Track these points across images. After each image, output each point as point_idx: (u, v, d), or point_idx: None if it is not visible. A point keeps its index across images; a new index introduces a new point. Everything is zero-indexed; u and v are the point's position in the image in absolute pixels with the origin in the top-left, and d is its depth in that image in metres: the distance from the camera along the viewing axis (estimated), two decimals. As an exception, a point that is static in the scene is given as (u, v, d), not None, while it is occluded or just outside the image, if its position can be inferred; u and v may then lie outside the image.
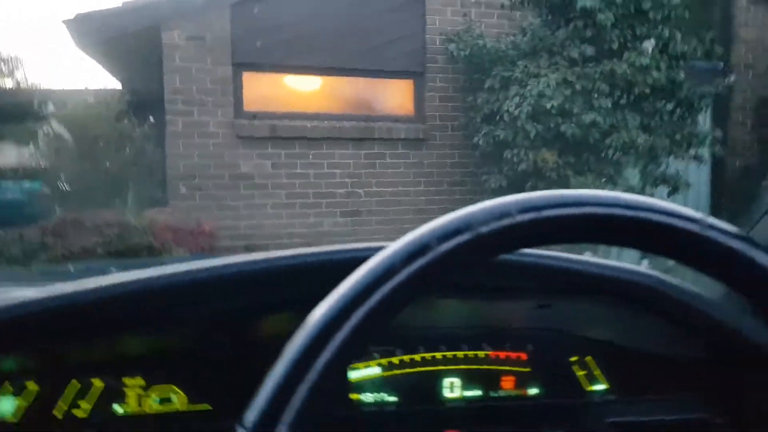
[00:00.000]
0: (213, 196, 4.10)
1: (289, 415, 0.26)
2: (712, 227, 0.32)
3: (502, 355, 0.73)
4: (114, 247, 3.53)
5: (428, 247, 0.30)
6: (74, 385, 0.60)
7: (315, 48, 4.21)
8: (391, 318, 0.30)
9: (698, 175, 4.80)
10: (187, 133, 4.07)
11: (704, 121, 4.64)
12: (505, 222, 0.31)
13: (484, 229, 0.31)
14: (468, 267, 0.32)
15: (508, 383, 0.73)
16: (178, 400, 0.63)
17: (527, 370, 0.73)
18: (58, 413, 0.59)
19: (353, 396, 0.67)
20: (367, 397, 0.68)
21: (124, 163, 4.53)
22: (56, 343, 0.57)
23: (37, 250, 3.60)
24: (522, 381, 0.73)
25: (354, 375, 0.68)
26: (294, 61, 4.25)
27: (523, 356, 0.73)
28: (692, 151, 4.03)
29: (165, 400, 0.63)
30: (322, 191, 4.29)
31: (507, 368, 0.73)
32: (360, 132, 4.33)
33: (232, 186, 4.15)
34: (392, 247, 0.30)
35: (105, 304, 0.52)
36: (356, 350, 0.29)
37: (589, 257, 0.60)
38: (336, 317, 0.28)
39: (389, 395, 0.68)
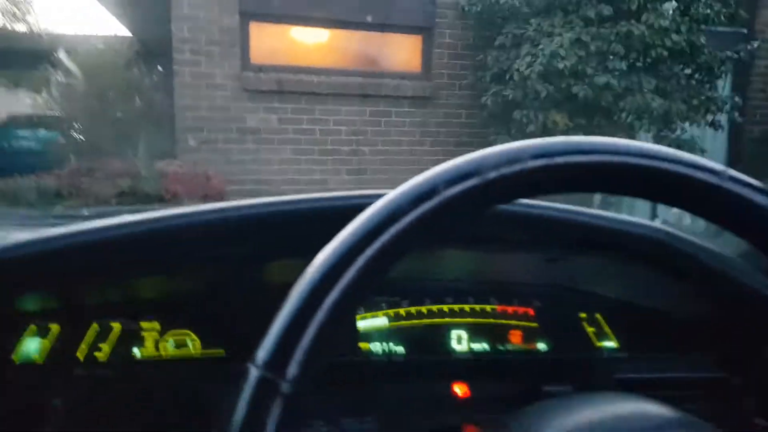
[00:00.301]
0: (220, 150, 4.12)
1: (299, 353, 0.27)
2: (732, 179, 0.31)
3: (510, 309, 0.72)
4: (126, 197, 3.60)
5: (435, 190, 0.29)
6: (94, 327, 0.62)
7: (323, 0, 4.11)
8: (397, 261, 0.29)
9: (714, 142, 4.67)
10: (195, 84, 4.05)
11: (723, 87, 4.47)
12: (516, 167, 0.30)
13: (493, 174, 0.29)
14: (476, 213, 0.31)
15: (515, 337, 0.72)
16: (193, 345, 0.64)
17: (535, 325, 0.73)
18: (80, 355, 0.61)
19: (362, 345, 0.68)
20: (376, 346, 0.68)
21: (134, 112, 4.55)
22: (75, 283, 0.59)
23: (53, 196, 3.69)
24: (530, 336, 0.72)
25: (362, 325, 0.68)
26: (301, 12, 4.16)
27: (531, 311, 0.73)
28: (709, 117, 3.91)
29: (180, 345, 0.64)
30: (328, 148, 4.28)
31: (514, 323, 0.72)
32: (366, 88, 4.27)
33: (239, 140, 4.16)
34: (398, 190, 0.30)
35: (122, 242, 0.53)
36: (363, 292, 0.29)
37: (598, 211, 0.58)
38: (342, 259, 0.28)
39: (397, 345, 0.69)
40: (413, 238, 0.29)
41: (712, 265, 0.56)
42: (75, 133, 4.88)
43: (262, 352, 0.27)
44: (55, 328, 0.61)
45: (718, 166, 0.31)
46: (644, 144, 0.32)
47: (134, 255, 0.55)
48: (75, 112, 4.82)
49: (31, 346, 0.60)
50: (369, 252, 0.28)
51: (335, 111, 4.27)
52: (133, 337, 0.63)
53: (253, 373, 0.27)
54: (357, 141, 4.31)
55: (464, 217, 0.30)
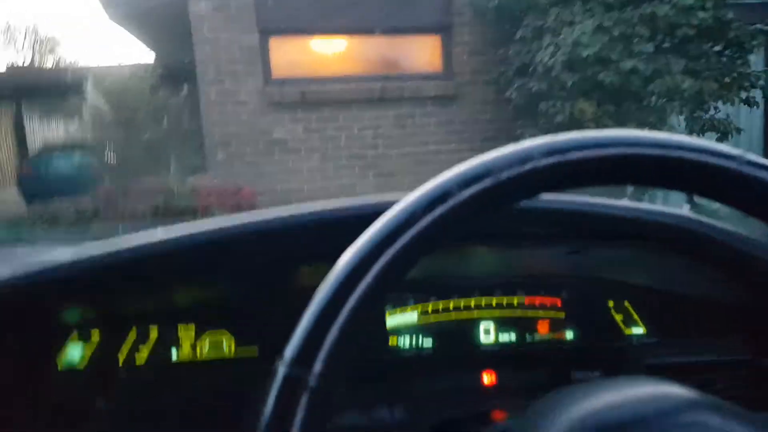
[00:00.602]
0: (250, 163, 4.19)
1: (324, 350, 0.28)
2: (750, 163, 0.31)
3: (537, 300, 0.73)
4: (161, 212, 3.70)
5: (449, 193, 0.30)
6: (133, 332, 0.65)
7: (338, 9, 4.14)
8: (414, 262, 0.30)
9: (750, 120, 4.53)
10: (220, 101, 4.13)
11: (756, 62, 4.32)
12: (528, 166, 0.30)
13: (506, 175, 0.30)
14: (491, 213, 0.31)
15: (543, 328, 0.73)
16: (227, 345, 0.67)
17: (562, 315, 0.73)
18: (119, 360, 0.64)
19: (391, 342, 0.69)
20: (405, 341, 0.70)
21: (162, 133, 4.67)
22: (116, 294, 0.62)
23: (90, 217, 3.82)
24: (557, 326, 0.73)
25: (391, 322, 0.70)
26: (318, 23, 4.20)
27: (558, 302, 0.73)
28: (743, 94, 3.79)
29: (215, 346, 0.67)
30: (355, 153, 4.31)
31: (542, 313, 0.73)
32: (389, 92, 4.28)
33: (267, 152, 4.22)
34: (414, 195, 0.31)
35: (157, 256, 0.56)
36: (383, 292, 0.30)
37: (623, 201, 0.58)
38: (362, 262, 0.29)
39: (425, 339, 0.70)
40: (429, 240, 0.30)
41: (740, 249, 0.55)
42: (108, 157, 5.03)
43: (290, 350, 0.28)
44: (95, 334, 0.64)
45: (735, 151, 0.31)
46: (657, 133, 0.31)
47: (170, 265, 0.57)
48: (106, 137, 4.97)
49: (74, 352, 0.63)
50: (387, 255, 0.29)
51: (359, 117, 4.30)
52: (170, 340, 0.66)
53: (281, 370, 0.28)
54: (383, 144, 4.33)
55: (479, 218, 0.31)
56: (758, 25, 3.75)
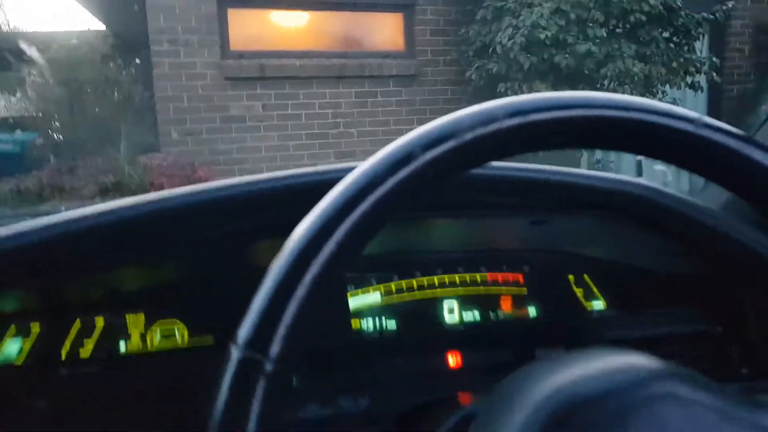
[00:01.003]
0: (205, 140, 4.07)
1: (281, 331, 0.26)
2: (707, 126, 0.31)
3: (500, 276, 0.73)
4: (110, 192, 3.56)
5: (412, 155, 0.29)
6: (78, 324, 0.60)
7: (300, -19, 4.06)
8: (378, 229, 0.29)
9: (695, 104, 4.75)
10: (174, 75, 3.98)
11: (701, 48, 4.53)
12: (492, 127, 0.29)
13: (470, 136, 0.29)
14: (455, 175, 0.30)
15: (506, 304, 0.72)
16: (180, 334, 0.63)
17: (524, 290, 0.73)
18: (62, 354, 0.59)
19: (354, 324, 0.68)
20: (368, 323, 0.68)
21: (113, 108, 4.46)
22: (55, 277, 0.55)
23: (35, 198, 3.63)
24: (520, 302, 0.73)
25: (354, 303, 0.68)
26: (280, -4, 4.11)
27: (520, 277, 0.73)
28: (689, 79, 3.97)
29: (167, 336, 0.63)
30: (315, 132, 4.26)
31: (505, 290, 0.73)
32: (350, 69, 4.24)
33: (224, 129, 4.11)
34: (375, 158, 0.29)
35: (99, 231, 0.50)
36: (344, 264, 0.28)
37: (582, 170, 0.58)
38: (321, 232, 0.27)
39: (389, 321, 0.68)
40: (392, 204, 0.29)
41: (697, 219, 0.56)
42: (54, 133, 4.78)
43: (243, 331, 0.26)
44: (35, 327, 0.59)
45: (693, 114, 0.31)
46: (618, 95, 0.32)
47: (113, 243, 0.52)
48: (52, 111, 4.71)
49: (11, 347, 0.58)
50: (348, 222, 0.28)
51: (320, 94, 4.25)
52: (118, 331, 0.62)
53: (234, 353, 0.26)
54: (344, 123, 4.30)
55: (443, 181, 0.30)
56: (703, 14, 3.92)
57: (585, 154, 3.90)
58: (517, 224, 0.69)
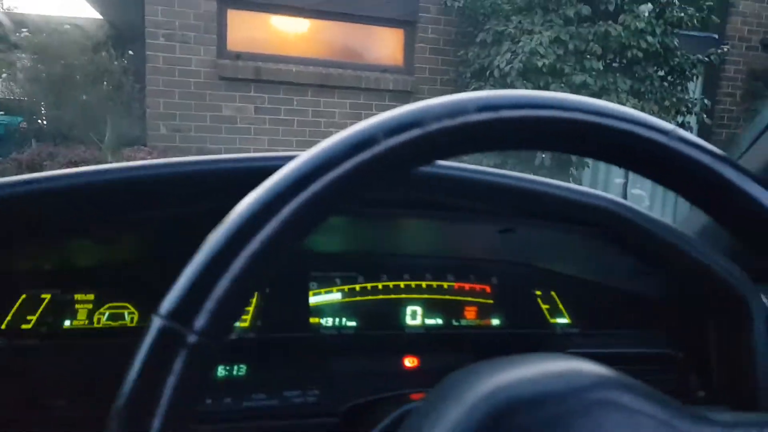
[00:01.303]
0: (193, 138, 4.01)
1: (209, 304, 0.24)
2: (681, 139, 0.30)
3: (467, 286, 0.72)
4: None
5: (374, 140, 0.27)
6: (23, 297, 0.59)
7: (304, -12, 4.05)
8: (329, 212, 0.27)
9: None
10: (168, 70, 3.93)
11: (694, 89, 4.60)
12: (459, 120, 0.28)
13: (435, 126, 0.28)
14: (416, 166, 0.29)
15: (470, 313, 0.72)
16: (129, 317, 0.61)
17: (491, 301, 0.73)
18: (2, 324, 0.58)
19: (313, 320, 0.67)
20: (327, 321, 0.67)
21: (101, 97, 4.38)
22: (3, 246, 0.53)
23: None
24: (485, 312, 0.73)
25: (314, 300, 0.67)
26: (282, 0, 4.08)
27: (488, 288, 0.73)
28: (680, 119, 4.02)
29: (116, 317, 0.61)
30: (306, 139, 4.22)
31: (470, 299, 0.72)
32: (347, 80, 4.22)
33: (214, 129, 4.05)
34: (336, 137, 0.28)
35: (53, 196, 0.47)
36: (289, 244, 0.26)
37: (556, 181, 0.58)
38: (266, 207, 0.26)
39: (349, 320, 0.68)
40: (347, 188, 0.27)
41: (668, 241, 0.55)
42: (39, 118, 4.67)
43: (167, 302, 0.25)
44: None
45: (668, 126, 0.31)
46: (594, 100, 0.30)
47: (67, 213, 0.49)
48: (39, 95, 4.62)
49: None
50: (298, 200, 0.26)
51: (314, 102, 4.21)
52: (64, 307, 0.60)
53: (156, 322, 0.25)
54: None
55: (403, 170, 0.29)
56: (699, 56, 3.99)
57: (573, 172, 3.92)
58: (487, 232, 0.68)
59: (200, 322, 0.24)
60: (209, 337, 0.24)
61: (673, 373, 0.67)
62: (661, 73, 3.91)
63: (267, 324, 0.63)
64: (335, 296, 0.68)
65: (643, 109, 3.70)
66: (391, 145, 0.27)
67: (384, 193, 0.52)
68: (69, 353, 0.59)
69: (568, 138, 0.31)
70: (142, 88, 4.05)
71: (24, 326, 0.58)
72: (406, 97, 4.39)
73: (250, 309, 0.64)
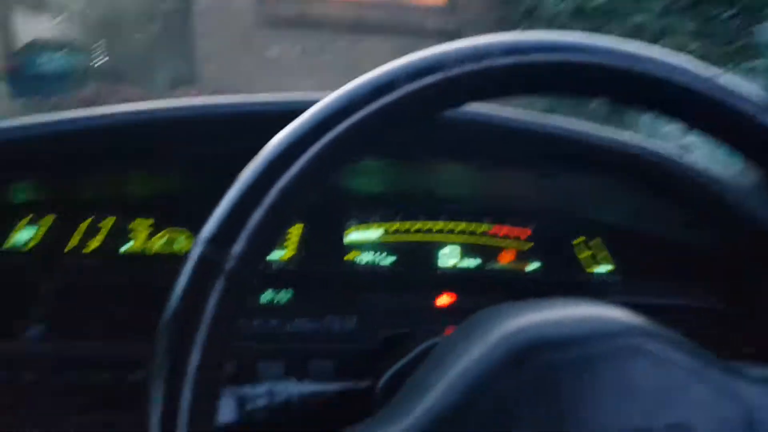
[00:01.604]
0: (238, 80, 4.07)
1: (246, 232, 0.26)
2: (719, 85, 0.29)
3: (504, 230, 0.71)
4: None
5: (395, 84, 0.27)
6: (88, 221, 0.63)
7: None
8: (352, 153, 0.28)
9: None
10: (214, 10, 3.96)
11: (764, 32, 4.22)
12: (484, 64, 0.27)
13: (458, 70, 0.27)
14: (439, 110, 0.29)
15: (507, 258, 0.71)
16: (185, 242, 0.64)
17: (529, 246, 0.71)
18: (67, 246, 0.62)
19: (348, 256, 0.68)
20: (363, 257, 0.68)
21: (152, 38, 4.48)
22: (72, 172, 0.58)
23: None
24: (522, 257, 0.71)
25: (352, 237, 0.68)
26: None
27: (526, 233, 0.71)
28: (749, 64, 3.73)
29: (171, 242, 0.65)
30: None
31: (508, 243, 0.71)
32: (390, 21, 4.13)
33: (258, 71, 4.10)
34: (357, 81, 0.28)
35: (118, 130, 0.52)
36: (315, 181, 0.28)
37: (600, 126, 0.56)
38: (294, 144, 0.27)
39: (385, 258, 0.69)
40: (370, 131, 0.28)
41: (716, 191, 0.53)
42: (94, 58, 4.85)
43: (207, 229, 0.26)
44: (49, 219, 0.63)
45: (708, 71, 0.29)
46: (630, 44, 0.29)
47: (130, 145, 0.53)
48: (96, 36, 4.77)
49: (24, 235, 0.63)
50: (323, 141, 0.27)
51: (357, 43, 4.16)
52: (124, 232, 0.64)
53: (196, 250, 0.26)
54: (378, 76, 4.21)
55: (427, 114, 0.29)
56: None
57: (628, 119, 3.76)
58: (528, 178, 0.67)
59: (237, 248, 0.26)
60: (244, 264, 0.26)
61: (718, 327, 0.65)
62: (729, 13, 3.60)
63: (308, 257, 0.66)
64: (372, 234, 0.69)
65: (708, 53, 3.45)
66: (412, 90, 0.27)
67: (423, 137, 0.53)
68: (125, 276, 0.64)
69: (602, 84, 0.29)
70: (192, 29, 4.11)
71: (85, 250, 0.63)
72: (450, 38, 4.24)
73: (294, 242, 0.67)
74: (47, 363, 0.55)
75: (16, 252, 0.62)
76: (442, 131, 0.52)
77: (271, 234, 0.27)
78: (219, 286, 0.25)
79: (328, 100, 0.28)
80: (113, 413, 0.53)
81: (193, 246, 0.27)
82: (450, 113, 0.30)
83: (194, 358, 0.25)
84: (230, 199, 0.27)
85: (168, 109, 0.53)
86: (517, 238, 0.72)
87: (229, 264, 0.26)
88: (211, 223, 0.26)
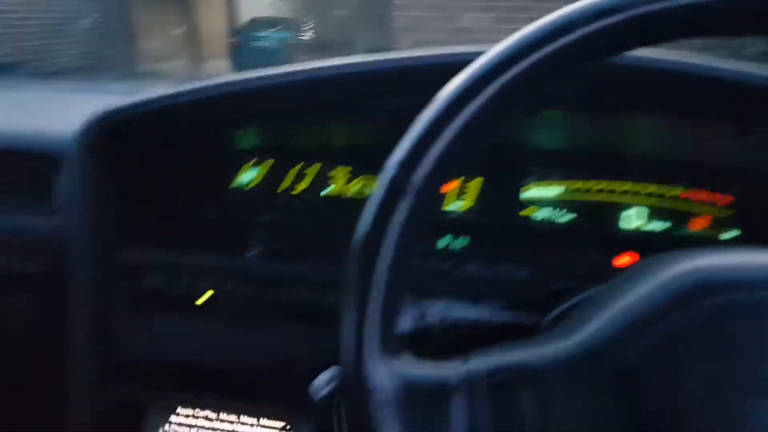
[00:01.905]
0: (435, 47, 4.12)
1: (428, 159, 0.29)
2: None
3: (697, 194, 0.65)
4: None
5: (571, 26, 0.28)
6: (298, 166, 0.70)
7: None
8: (528, 94, 0.30)
9: None
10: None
11: None
12: (659, 5, 0.27)
13: (633, 12, 0.27)
14: (613, 54, 0.30)
15: (701, 223, 0.65)
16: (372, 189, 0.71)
17: (727, 213, 0.65)
18: (280, 188, 0.70)
19: (523, 212, 0.67)
20: (538, 214, 0.67)
21: (353, 13, 4.76)
22: (288, 123, 0.65)
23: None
24: (718, 224, 0.65)
25: (529, 194, 0.67)
26: None
27: (727, 198, 0.65)
28: None
29: (364, 188, 0.70)
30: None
31: (703, 209, 0.65)
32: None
33: (452, 40, 4.09)
34: (534, 24, 0.29)
35: (330, 84, 0.57)
36: (492, 117, 0.30)
37: None
38: (472, 84, 0.29)
39: (563, 216, 0.67)
40: (546, 73, 0.29)
41: None
42: (303, 32, 5.32)
43: (398, 153, 0.29)
44: (268, 163, 0.70)
45: None
46: None
47: (338, 98, 0.58)
48: (304, 12, 5.23)
49: (248, 176, 0.71)
50: (502, 79, 0.28)
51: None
52: (326, 177, 0.70)
53: (386, 172, 0.29)
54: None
55: (602, 57, 0.29)
56: None
57: None
58: (722, 135, 0.61)
59: (420, 172, 0.29)
60: (426, 188, 0.29)
61: None
62: None
63: (485, 209, 0.67)
64: (552, 191, 0.67)
65: None
66: (588, 32, 0.28)
67: (612, 88, 0.51)
68: (324, 214, 0.71)
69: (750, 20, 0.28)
70: (389, 2, 4.26)
71: (293, 192, 0.70)
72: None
73: (473, 194, 0.68)
74: (261, 280, 0.61)
75: (240, 190, 0.71)
76: (632, 80, 0.50)
77: (449, 164, 0.30)
78: (405, 203, 0.28)
79: (507, 42, 0.29)
80: (311, 327, 0.58)
81: (383, 169, 0.29)
82: (644, 61, 0.30)
83: (382, 265, 0.28)
84: (418, 129, 0.29)
85: (365, 63, 0.56)
86: (714, 204, 0.64)
87: (413, 186, 0.29)
88: (401, 148, 0.29)
